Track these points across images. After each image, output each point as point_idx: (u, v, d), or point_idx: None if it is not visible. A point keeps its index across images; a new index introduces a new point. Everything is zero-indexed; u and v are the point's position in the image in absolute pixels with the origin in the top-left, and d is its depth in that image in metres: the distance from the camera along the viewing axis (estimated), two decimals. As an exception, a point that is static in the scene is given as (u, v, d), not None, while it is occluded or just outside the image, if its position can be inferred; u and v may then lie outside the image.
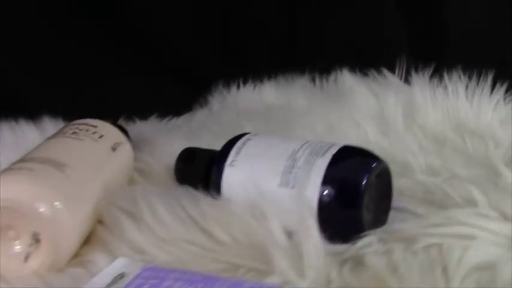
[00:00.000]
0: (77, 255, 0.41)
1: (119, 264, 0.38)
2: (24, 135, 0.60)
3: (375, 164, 0.41)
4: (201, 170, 0.47)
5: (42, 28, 0.73)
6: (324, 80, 0.71)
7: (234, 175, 0.43)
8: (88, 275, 0.39)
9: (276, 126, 0.60)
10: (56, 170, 0.41)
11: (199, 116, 0.70)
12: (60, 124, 0.60)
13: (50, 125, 0.62)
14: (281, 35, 0.81)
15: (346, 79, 0.69)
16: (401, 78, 0.69)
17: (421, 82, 0.64)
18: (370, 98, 0.63)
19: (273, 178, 0.41)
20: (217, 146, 0.54)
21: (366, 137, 0.56)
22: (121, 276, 0.37)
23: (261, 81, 0.74)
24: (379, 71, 0.70)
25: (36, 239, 0.39)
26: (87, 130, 0.49)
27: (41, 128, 0.62)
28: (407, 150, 0.51)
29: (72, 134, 0.48)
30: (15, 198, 0.38)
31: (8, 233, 0.39)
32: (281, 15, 0.80)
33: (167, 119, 0.71)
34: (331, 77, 0.72)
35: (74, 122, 0.51)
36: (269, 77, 0.76)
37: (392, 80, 0.69)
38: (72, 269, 0.39)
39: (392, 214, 0.43)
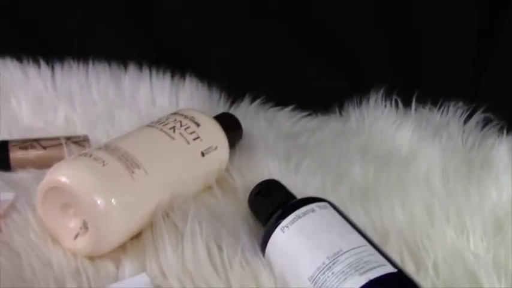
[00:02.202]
0: (118, 249, 0.45)
1: (137, 281, 0.41)
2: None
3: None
4: (266, 211, 0.47)
5: None
6: (477, 144, 0.63)
7: (280, 242, 0.42)
8: (115, 272, 0.43)
9: (386, 182, 0.55)
10: (126, 171, 0.44)
11: (329, 127, 0.67)
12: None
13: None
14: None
15: (501, 154, 0.60)
16: None
17: None
18: (509, 189, 0.54)
19: (308, 269, 0.39)
20: (310, 183, 0.54)
21: (466, 242, 0.48)
22: (130, 296, 0.40)
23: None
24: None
25: (85, 226, 0.43)
26: (187, 128, 0.51)
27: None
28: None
29: (170, 129, 0.50)
30: (78, 187, 0.42)
31: (69, 210, 0.44)
32: None
33: (302, 115, 0.70)
34: (488, 142, 0.63)
35: (183, 113, 0.53)
36: (434, 104, 0.70)
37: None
38: (106, 262, 0.43)
39: None
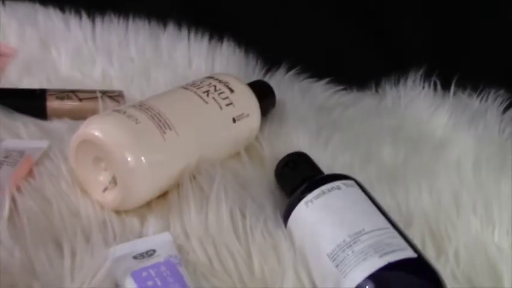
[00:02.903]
0: (144, 206, 0.46)
1: (159, 239, 0.42)
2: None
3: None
4: (291, 184, 0.47)
5: None
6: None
7: (302, 216, 0.43)
8: (139, 228, 0.44)
9: (416, 166, 0.54)
10: (158, 131, 0.45)
11: (363, 104, 0.66)
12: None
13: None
14: None
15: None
16: None
17: None
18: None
19: (328, 245, 0.40)
20: (338, 160, 0.54)
21: (491, 234, 0.48)
22: (151, 253, 0.41)
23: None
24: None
25: (114, 181, 0.44)
26: (221, 93, 0.51)
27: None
28: None
29: (204, 92, 0.50)
30: (110, 142, 0.43)
31: (100, 164, 0.45)
32: None
33: (337, 89, 0.69)
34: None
35: (218, 77, 0.53)
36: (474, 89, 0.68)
37: None
38: (131, 218, 0.44)
39: None
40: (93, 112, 0.51)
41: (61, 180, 0.46)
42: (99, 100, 0.56)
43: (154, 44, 0.68)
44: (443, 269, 0.43)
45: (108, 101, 0.56)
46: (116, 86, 0.62)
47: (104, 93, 0.57)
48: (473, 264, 0.44)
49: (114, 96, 0.57)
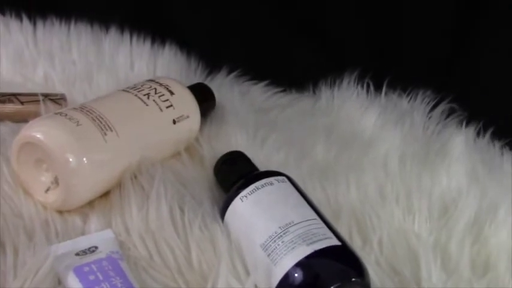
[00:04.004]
0: (86, 205, 0.47)
1: (101, 236, 0.44)
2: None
3: (353, 280, 0.40)
4: (229, 180, 0.50)
5: None
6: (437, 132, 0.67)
7: (238, 210, 0.46)
8: (82, 226, 0.46)
9: (346, 162, 0.58)
10: (99, 132, 0.46)
11: (299, 105, 0.70)
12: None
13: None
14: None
15: (457, 143, 0.63)
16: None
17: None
18: (459, 177, 0.58)
19: (261, 236, 0.43)
20: (273, 158, 0.57)
21: (411, 223, 0.52)
22: (93, 249, 0.43)
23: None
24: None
25: (56, 181, 0.46)
26: (161, 95, 0.53)
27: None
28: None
29: (145, 95, 0.52)
30: (52, 144, 0.44)
31: (42, 165, 0.46)
32: None
33: (275, 90, 0.72)
34: (447, 131, 0.66)
35: (158, 80, 0.55)
36: (403, 90, 0.73)
37: (505, 167, 0.62)
38: (74, 216, 0.46)
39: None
40: (35, 115, 0.52)
41: (3, 182, 0.47)
42: (41, 103, 0.57)
43: (97, 48, 0.69)
44: (368, 256, 0.47)
45: (50, 104, 0.57)
46: (58, 89, 0.63)
47: (45, 96, 0.58)
48: (395, 252, 0.48)
49: (56, 99, 0.59)
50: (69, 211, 0.46)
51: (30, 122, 0.47)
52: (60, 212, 0.46)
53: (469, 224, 0.53)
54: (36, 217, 0.45)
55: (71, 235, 0.44)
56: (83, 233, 0.45)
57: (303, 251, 0.40)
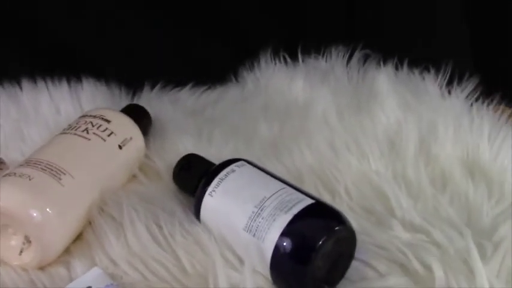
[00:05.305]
0: (64, 253, 0.47)
1: (90, 276, 0.44)
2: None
3: (337, 229, 0.43)
4: (191, 183, 0.51)
5: None
6: (360, 79, 0.70)
7: (210, 206, 0.47)
8: (67, 274, 0.46)
9: (291, 131, 0.61)
10: (53, 180, 0.46)
11: (229, 95, 0.72)
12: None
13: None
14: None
15: (382, 82, 0.67)
16: (441, 87, 0.67)
17: (451, 104, 0.62)
18: (394, 111, 0.62)
19: (240, 221, 0.44)
20: (224, 150, 0.58)
21: (368, 164, 0.56)
22: (88, 290, 0.43)
23: (300, 60, 0.74)
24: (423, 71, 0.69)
25: (27, 240, 0.45)
26: (99, 126, 0.53)
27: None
28: (397, 195, 0.51)
29: (83, 131, 0.52)
30: (12, 205, 0.44)
31: (8, 230, 0.46)
32: None
33: (202, 90, 0.74)
34: (369, 75, 0.70)
35: (90, 113, 0.55)
36: (317, 52, 0.76)
37: (430, 89, 0.67)
38: (56, 268, 0.46)
39: (354, 266, 0.45)
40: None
41: (-26, 260, 0.46)
42: (-18, 174, 0.55)
43: (16, 104, 0.68)
44: (340, 205, 0.50)
45: (-9, 172, 0.56)
46: (-8, 155, 0.61)
47: (-17, 166, 0.57)
48: (362, 194, 0.52)
49: (-5, 165, 0.57)
50: (50, 264, 0.46)
51: (-19, 193, 0.46)
52: (42, 268, 0.46)
53: (417, 148, 0.57)
54: (20, 281, 0.45)
55: (60, 285, 0.44)
56: (71, 280, 0.45)
57: (284, 220, 0.43)
